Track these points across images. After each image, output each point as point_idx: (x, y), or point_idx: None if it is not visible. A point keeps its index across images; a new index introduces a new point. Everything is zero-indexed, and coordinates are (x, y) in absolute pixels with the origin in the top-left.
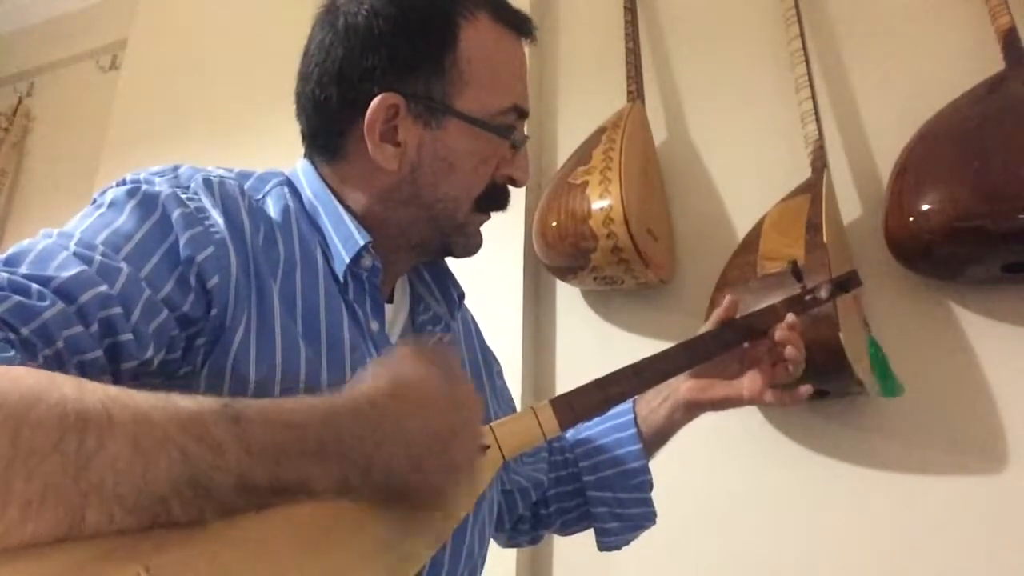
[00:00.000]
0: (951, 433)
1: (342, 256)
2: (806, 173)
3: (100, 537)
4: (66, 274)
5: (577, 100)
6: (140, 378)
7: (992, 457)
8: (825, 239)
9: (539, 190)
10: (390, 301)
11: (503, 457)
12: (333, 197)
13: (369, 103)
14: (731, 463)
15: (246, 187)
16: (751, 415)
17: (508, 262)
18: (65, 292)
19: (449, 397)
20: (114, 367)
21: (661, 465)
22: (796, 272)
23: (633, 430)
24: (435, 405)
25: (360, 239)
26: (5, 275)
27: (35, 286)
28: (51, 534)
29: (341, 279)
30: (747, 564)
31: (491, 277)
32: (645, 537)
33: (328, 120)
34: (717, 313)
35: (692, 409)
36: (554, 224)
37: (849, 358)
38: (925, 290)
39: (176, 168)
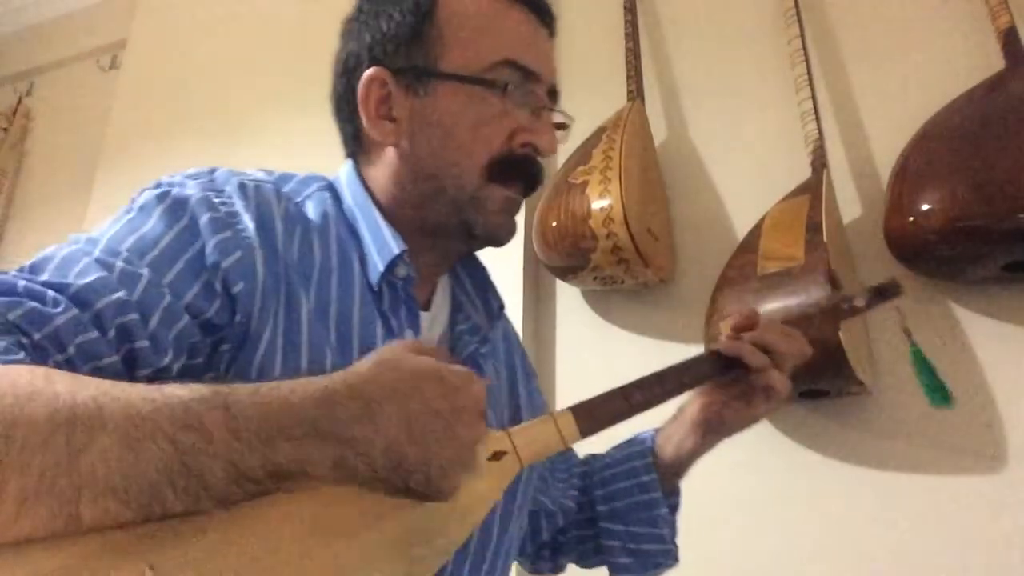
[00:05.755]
0: (951, 433)
1: (377, 264)
2: (806, 173)
3: (100, 532)
4: (84, 281)
5: (577, 100)
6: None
7: (992, 457)
8: (825, 239)
9: (539, 190)
10: (427, 308)
11: (520, 464)
12: (371, 203)
13: None
14: (730, 463)
15: (286, 190)
16: None
17: (508, 262)
18: (81, 299)
19: (448, 379)
20: (131, 373)
21: None
22: (832, 279)
23: (648, 459)
24: (434, 385)
25: (395, 247)
26: (23, 282)
27: (51, 293)
28: (47, 528)
29: (376, 288)
30: (746, 563)
31: (491, 277)
32: None
33: (341, 114)
34: (733, 320)
35: (700, 430)
36: (554, 224)
37: (849, 358)
38: (925, 290)
39: (212, 171)
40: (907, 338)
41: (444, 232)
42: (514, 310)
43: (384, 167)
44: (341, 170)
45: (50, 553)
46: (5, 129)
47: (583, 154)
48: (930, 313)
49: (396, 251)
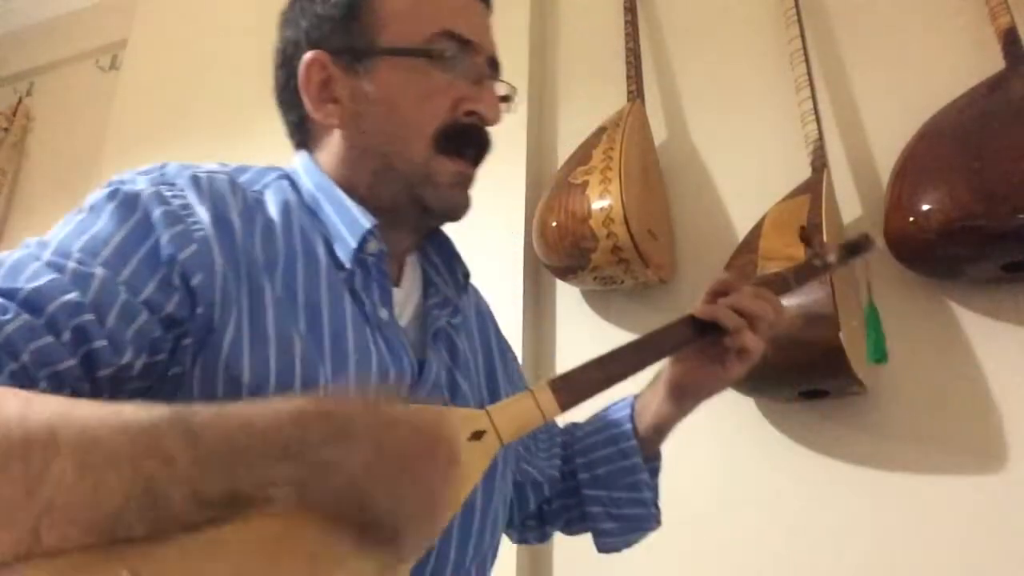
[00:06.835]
0: (951, 433)
1: (348, 242)
2: (806, 173)
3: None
4: (34, 285)
5: (577, 100)
6: (122, 383)
7: (991, 457)
8: (825, 239)
9: (539, 190)
10: (397, 285)
11: (501, 442)
12: (335, 185)
13: None
14: (730, 463)
15: (242, 180)
16: (749, 414)
17: (508, 262)
18: (32, 303)
19: (425, 429)
20: (90, 375)
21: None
22: (804, 236)
23: (628, 426)
24: (409, 429)
25: (365, 222)
26: None
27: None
28: (12, 552)
29: (348, 266)
30: (746, 563)
31: (491, 277)
32: None
33: (285, 105)
34: (711, 286)
35: (676, 394)
36: (554, 224)
37: (848, 358)
38: (925, 290)
39: (163, 166)
40: (867, 292)
41: (399, 210)
42: (514, 310)
43: (333, 151)
44: (295, 161)
45: (28, 565)
46: (5, 129)
47: (583, 154)
48: (930, 313)
49: (367, 225)
